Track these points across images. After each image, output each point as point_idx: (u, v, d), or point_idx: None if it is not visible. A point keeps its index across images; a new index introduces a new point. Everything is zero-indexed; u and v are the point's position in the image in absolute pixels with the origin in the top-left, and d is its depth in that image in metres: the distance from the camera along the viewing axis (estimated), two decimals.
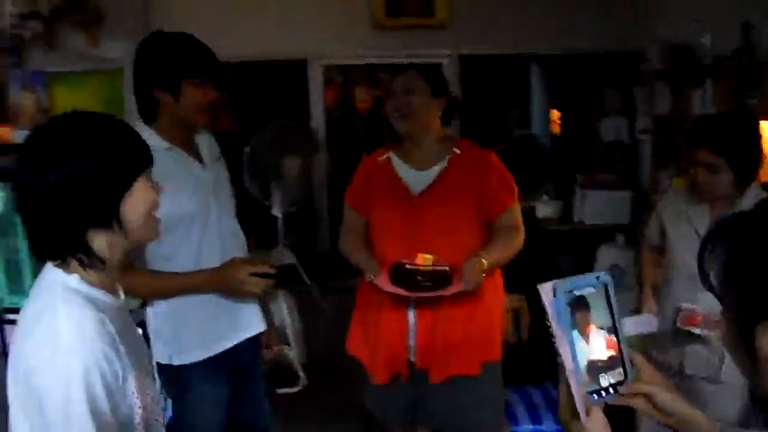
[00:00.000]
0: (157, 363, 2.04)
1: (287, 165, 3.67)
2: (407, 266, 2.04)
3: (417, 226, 2.13)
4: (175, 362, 1.95)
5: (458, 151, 2.20)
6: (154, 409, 1.19)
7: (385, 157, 2.23)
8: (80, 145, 1.07)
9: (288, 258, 3.92)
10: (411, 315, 2.13)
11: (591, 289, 1.03)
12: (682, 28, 4.05)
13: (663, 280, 2.28)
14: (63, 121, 1.11)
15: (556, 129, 6.71)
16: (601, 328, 1.02)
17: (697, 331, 2.07)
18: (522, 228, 2.21)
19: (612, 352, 1.02)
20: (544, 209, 4.96)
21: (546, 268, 4.55)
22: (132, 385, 1.10)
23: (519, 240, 2.18)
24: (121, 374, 1.08)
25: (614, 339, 1.03)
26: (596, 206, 4.67)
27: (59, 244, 1.08)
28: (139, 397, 1.12)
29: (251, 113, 5.63)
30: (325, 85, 5.05)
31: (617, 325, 1.04)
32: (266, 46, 4.68)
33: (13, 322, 3.08)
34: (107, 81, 4.78)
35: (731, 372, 2.07)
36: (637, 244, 4.50)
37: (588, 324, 1.01)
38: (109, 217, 1.10)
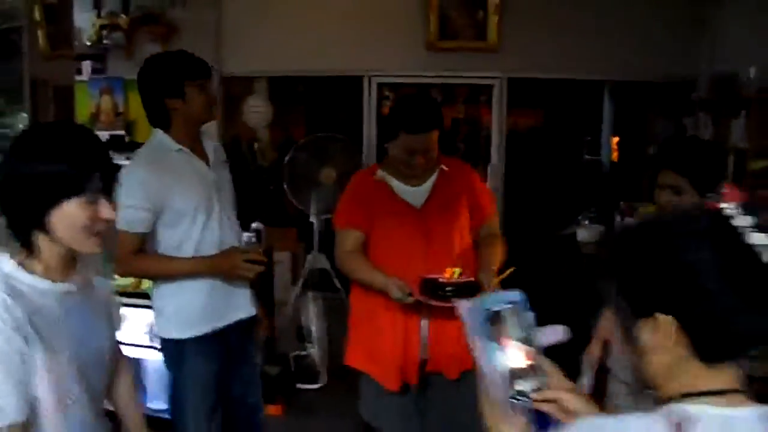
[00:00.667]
0: (160, 337, 2.35)
1: (324, 174, 3.89)
2: (440, 281, 2.14)
3: (423, 237, 2.29)
4: (174, 336, 2.23)
5: (446, 168, 2.36)
6: (70, 387, 1.31)
7: (379, 176, 2.36)
8: (18, 160, 1.26)
9: (321, 263, 4.14)
10: (425, 324, 2.28)
11: (506, 306, 1.17)
12: (731, 59, 4.00)
13: None
14: (21, 136, 1.32)
15: (614, 156, 6.67)
16: (518, 340, 1.16)
17: None
18: (500, 236, 2.36)
19: (530, 362, 1.15)
20: (583, 233, 4.97)
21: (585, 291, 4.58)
22: (41, 362, 1.24)
23: (502, 247, 2.34)
24: (21, 342, 1.21)
25: (531, 350, 1.16)
26: None
27: (16, 231, 1.29)
28: (47, 375, 1.26)
29: (321, 124, 5.95)
30: (378, 101, 5.25)
31: (533, 336, 1.17)
32: (326, 63, 4.93)
33: None
34: None
35: None
36: None
37: (505, 336, 1.15)
38: (35, 226, 1.27)
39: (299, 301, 4.07)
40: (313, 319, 4.04)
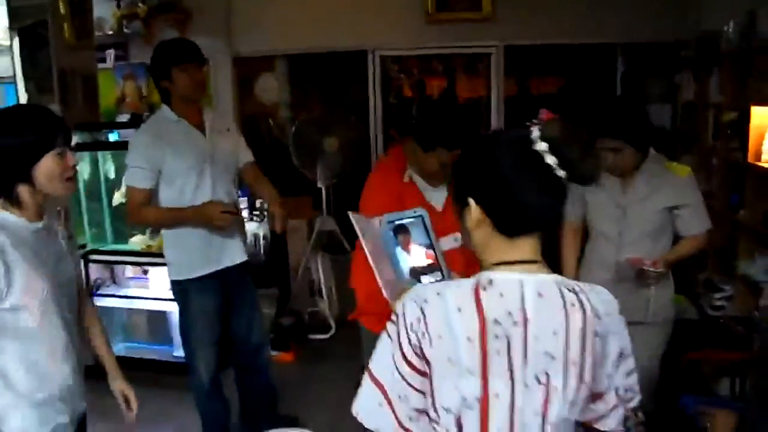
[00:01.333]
0: (170, 280, 2.75)
1: (327, 144, 4.21)
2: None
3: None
4: (178, 277, 2.64)
5: None
6: (45, 297, 1.69)
7: (407, 177, 2.35)
8: (3, 130, 1.66)
9: (330, 225, 4.47)
10: None
11: (410, 219, 1.50)
12: (716, 19, 4.15)
13: (587, 246, 2.60)
14: (3, 113, 1.72)
15: None
16: (420, 245, 1.49)
17: (647, 268, 2.33)
18: None
19: (431, 261, 1.48)
20: None
21: None
22: (19, 270, 1.63)
23: None
24: (6, 267, 1.60)
25: (432, 252, 1.49)
26: None
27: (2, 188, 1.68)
28: (25, 290, 1.65)
29: (331, 98, 6.25)
30: (382, 73, 5.53)
31: (433, 242, 1.49)
32: (332, 40, 5.21)
33: (95, 261, 3.86)
34: None
35: (658, 313, 2.43)
36: None
37: (409, 242, 1.48)
38: (22, 179, 1.66)
39: (310, 260, 4.43)
40: (322, 276, 4.39)
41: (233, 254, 2.73)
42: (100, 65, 4.94)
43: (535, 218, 1.17)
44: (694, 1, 4.60)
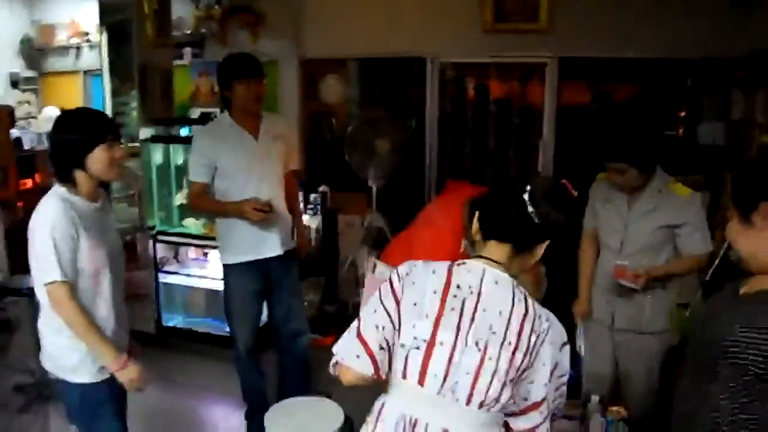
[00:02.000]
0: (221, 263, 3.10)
1: (379, 145, 4.47)
2: None
3: None
4: (224, 261, 2.98)
5: None
6: (103, 266, 2.13)
7: (463, 248, 2.41)
8: (64, 128, 2.10)
9: (378, 222, 4.74)
10: None
11: None
12: None
13: (599, 258, 2.77)
14: (66, 113, 2.15)
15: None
16: None
17: (625, 282, 2.53)
18: None
19: None
20: None
21: None
22: (85, 244, 2.06)
23: None
24: (74, 231, 2.02)
25: None
26: None
27: (61, 175, 2.10)
28: (87, 253, 2.06)
29: (390, 102, 6.52)
30: (441, 80, 5.75)
31: None
32: (394, 45, 5.47)
33: (161, 241, 4.25)
34: (265, 70, 5.86)
35: (652, 323, 2.57)
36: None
37: None
38: (78, 165, 2.07)
39: (358, 253, 4.70)
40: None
41: (272, 247, 3.07)
42: (177, 62, 5.36)
43: (505, 233, 1.53)
44: (752, 18, 4.61)
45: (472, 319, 1.45)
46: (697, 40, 4.82)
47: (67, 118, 2.14)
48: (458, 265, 1.53)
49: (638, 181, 2.47)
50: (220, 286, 4.05)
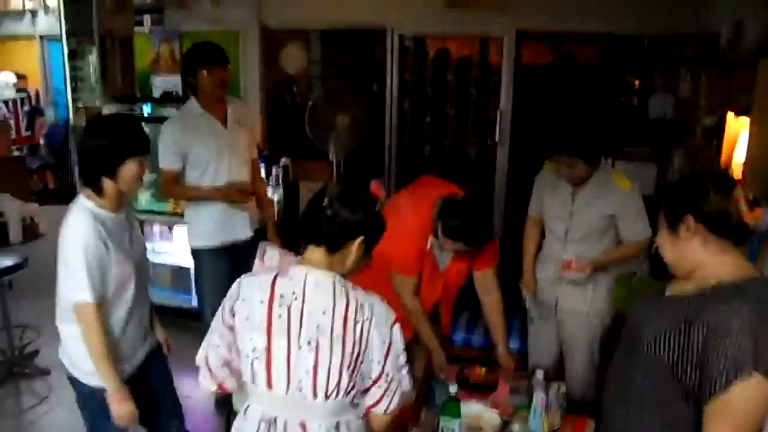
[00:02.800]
0: (190, 246, 3.20)
1: (339, 121, 4.53)
2: (470, 380, 2.67)
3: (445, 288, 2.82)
4: (195, 245, 3.10)
5: None
6: (128, 274, 2.16)
7: (429, 245, 2.65)
8: (102, 133, 2.07)
9: None
10: None
11: None
12: (718, 20, 4.30)
13: (544, 241, 2.94)
14: (105, 119, 2.18)
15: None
16: None
17: (572, 274, 2.72)
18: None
19: None
20: None
21: None
22: (113, 259, 2.09)
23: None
24: (104, 249, 2.05)
25: None
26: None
27: (87, 179, 2.11)
28: (116, 267, 2.10)
29: (350, 71, 6.57)
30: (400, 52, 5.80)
31: None
32: (354, 17, 5.48)
33: None
34: (227, 39, 5.79)
35: (594, 305, 2.76)
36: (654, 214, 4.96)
37: None
38: (108, 174, 2.07)
39: None
40: None
41: (241, 231, 3.23)
42: (137, 29, 5.28)
43: (314, 236, 1.66)
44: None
45: (301, 323, 1.61)
46: (649, 18, 4.97)
47: (106, 123, 2.15)
48: (281, 275, 1.66)
49: (585, 173, 2.61)
50: (185, 261, 4.17)
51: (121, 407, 2.11)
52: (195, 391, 3.46)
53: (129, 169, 2.07)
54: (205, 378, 1.78)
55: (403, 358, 1.72)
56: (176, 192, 3.19)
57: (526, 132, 6.01)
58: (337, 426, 1.68)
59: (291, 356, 1.61)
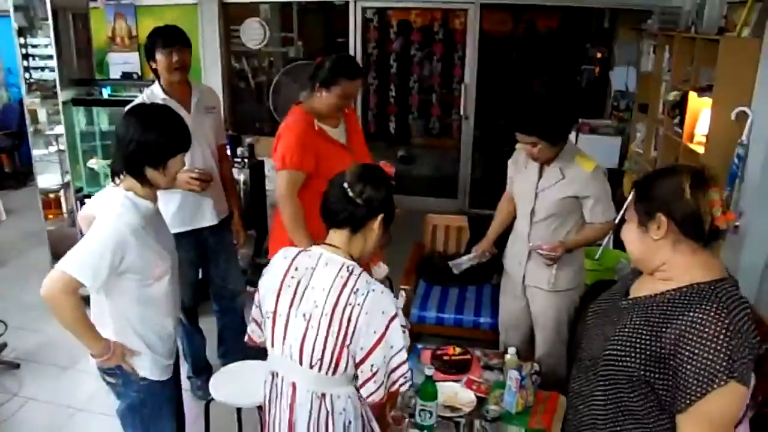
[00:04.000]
0: None
1: (303, 96, 4.47)
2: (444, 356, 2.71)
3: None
4: None
5: (346, 110, 2.95)
6: (166, 268, 2.12)
7: (317, 126, 2.76)
8: (154, 128, 2.02)
9: None
10: None
11: None
12: None
13: (515, 220, 2.98)
14: (155, 111, 2.11)
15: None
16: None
17: (543, 254, 2.74)
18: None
19: None
20: None
21: None
22: (153, 249, 2.04)
23: None
24: (144, 240, 1.99)
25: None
26: (587, 149, 5.10)
27: (132, 170, 2.03)
28: (154, 259, 2.05)
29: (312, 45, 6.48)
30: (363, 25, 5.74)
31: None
32: None
33: None
34: (184, 14, 5.67)
35: (559, 283, 2.81)
36: (620, 185, 5.05)
37: None
38: (156, 167, 2.02)
39: None
40: None
41: (206, 217, 3.15)
42: (92, 4, 5.08)
43: (337, 220, 1.76)
44: None
45: (303, 295, 1.75)
46: None
47: (158, 116, 2.08)
48: (306, 251, 1.81)
49: (549, 152, 2.62)
50: None
51: (119, 356, 2.06)
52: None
53: (176, 163, 2.08)
54: (248, 331, 1.98)
55: (398, 358, 1.74)
56: None
57: (489, 105, 6.07)
58: (323, 396, 1.79)
59: (288, 323, 1.76)
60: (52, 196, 4.51)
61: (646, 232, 1.47)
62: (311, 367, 1.74)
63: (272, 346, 1.82)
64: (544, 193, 2.70)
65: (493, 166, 7.19)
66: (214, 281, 3.32)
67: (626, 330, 1.46)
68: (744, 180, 3.06)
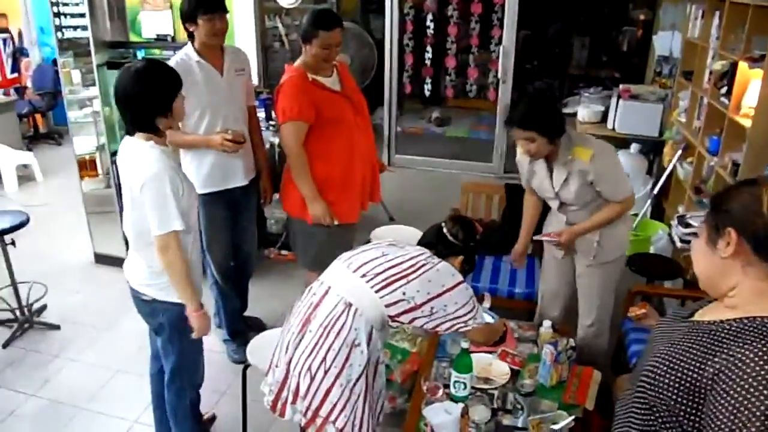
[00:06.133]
0: None
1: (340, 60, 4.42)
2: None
3: (354, 111, 3.04)
4: None
5: (335, 62, 3.08)
6: (194, 205, 2.33)
7: (311, 78, 2.91)
8: (150, 78, 2.16)
9: None
10: None
11: None
12: None
13: None
14: (146, 67, 2.19)
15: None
16: None
17: (547, 240, 2.87)
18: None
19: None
20: (584, 111, 5.42)
21: None
22: (186, 188, 2.23)
23: None
24: (179, 182, 2.18)
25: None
26: (628, 116, 4.99)
27: (143, 124, 2.18)
28: (186, 197, 2.23)
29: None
30: None
31: None
32: None
33: None
34: None
35: (604, 256, 2.78)
36: (659, 153, 4.94)
37: None
38: (162, 112, 2.17)
39: None
40: None
41: (237, 178, 3.17)
42: None
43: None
44: None
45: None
46: None
47: (148, 69, 2.19)
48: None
49: (546, 148, 2.61)
50: None
51: (201, 321, 2.33)
52: (215, 344, 3.48)
53: (179, 103, 2.22)
54: None
55: (463, 310, 1.99)
56: (172, 137, 3.11)
57: (528, 69, 5.96)
58: (349, 305, 1.96)
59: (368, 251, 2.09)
60: (87, 157, 4.54)
61: (713, 249, 1.29)
62: (362, 276, 1.95)
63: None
64: (562, 189, 2.71)
65: None
66: (233, 241, 3.37)
67: (672, 351, 1.31)
68: None
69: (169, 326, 2.39)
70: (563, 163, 2.65)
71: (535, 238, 2.89)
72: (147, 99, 2.15)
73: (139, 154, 2.18)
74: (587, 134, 3.09)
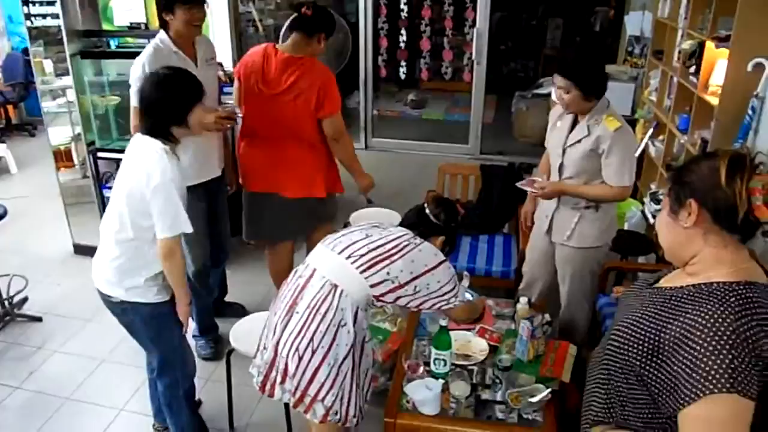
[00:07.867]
0: None
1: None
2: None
3: None
4: None
5: None
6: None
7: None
8: (168, 87, 2.26)
9: None
10: None
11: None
12: None
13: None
14: (168, 74, 2.27)
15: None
16: None
17: (523, 186, 2.87)
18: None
19: None
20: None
21: None
22: (184, 194, 2.29)
23: None
24: (183, 187, 2.27)
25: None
26: None
27: (159, 130, 2.26)
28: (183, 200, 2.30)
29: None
30: None
31: None
32: None
33: (101, 158, 4.20)
34: None
35: (582, 240, 2.83)
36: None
37: None
38: (177, 124, 2.26)
39: None
40: None
41: (211, 170, 3.22)
42: None
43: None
44: None
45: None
46: None
47: (170, 78, 2.28)
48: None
49: (580, 104, 2.62)
50: None
51: (187, 310, 2.46)
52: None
53: (196, 114, 2.29)
54: None
55: (445, 288, 2.06)
56: None
57: (502, 50, 6.00)
58: (335, 287, 2.01)
59: (352, 233, 2.15)
60: (62, 148, 4.51)
61: (676, 220, 1.35)
62: (347, 258, 2.00)
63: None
64: (571, 149, 2.73)
65: (504, 112, 7.19)
66: (210, 232, 3.38)
67: (635, 318, 1.37)
68: (758, 133, 3.03)
69: (144, 325, 2.43)
70: (588, 123, 2.67)
71: (518, 184, 2.89)
72: (163, 106, 2.23)
73: (150, 155, 2.22)
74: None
